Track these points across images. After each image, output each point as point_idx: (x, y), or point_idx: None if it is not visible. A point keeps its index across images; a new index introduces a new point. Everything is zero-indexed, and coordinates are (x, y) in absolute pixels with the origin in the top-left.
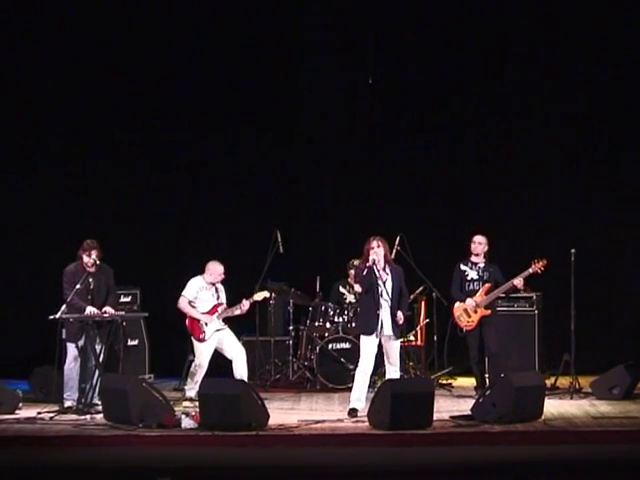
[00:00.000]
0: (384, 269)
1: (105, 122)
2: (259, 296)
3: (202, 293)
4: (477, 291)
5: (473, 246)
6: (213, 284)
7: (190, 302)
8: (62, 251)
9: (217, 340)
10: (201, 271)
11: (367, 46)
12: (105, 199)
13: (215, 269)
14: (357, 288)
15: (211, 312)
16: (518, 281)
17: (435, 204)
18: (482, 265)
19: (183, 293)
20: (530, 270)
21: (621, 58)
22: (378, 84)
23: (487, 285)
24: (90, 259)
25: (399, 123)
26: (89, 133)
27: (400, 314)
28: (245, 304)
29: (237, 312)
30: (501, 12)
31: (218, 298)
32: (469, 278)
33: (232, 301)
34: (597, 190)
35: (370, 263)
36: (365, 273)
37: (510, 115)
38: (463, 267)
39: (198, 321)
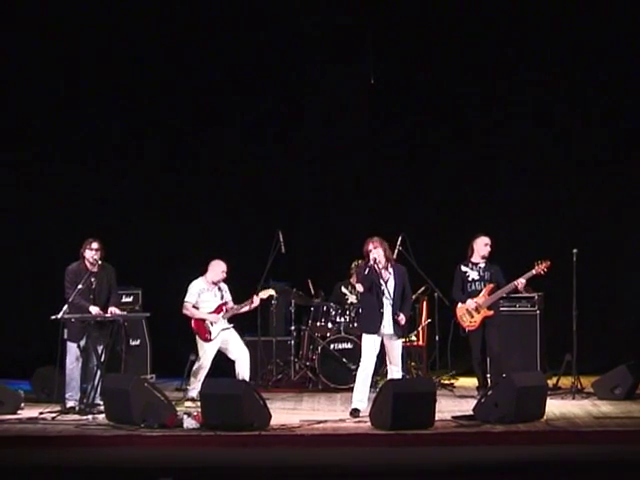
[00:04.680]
0: (386, 268)
1: (106, 122)
2: (264, 294)
3: (204, 295)
4: (479, 291)
5: (486, 249)
6: (215, 284)
7: (193, 305)
8: (63, 251)
9: (222, 340)
10: (201, 272)
11: (368, 46)
12: (106, 199)
13: (215, 267)
14: (359, 288)
15: (215, 312)
16: (519, 283)
17: (436, 204)
18: (483, 265)
19: (185, 299)
20: (533, 271)
21: (623, 60)
22: (379, 84)
23: (490, 286)
24: (92, 251)
25: (400, 123)
26: (90, 132)
27: (402, 316)
28: (255, 300)
29: (245, 309)
30: (502, 12)
31: (222, 297)
32: (470, 279)
33: (235, 301)
34: (599, 190)
35: (372, 262)
36: (366, 272)
37: (512, 115)
38: (464, 268)
39: (204, 322)
